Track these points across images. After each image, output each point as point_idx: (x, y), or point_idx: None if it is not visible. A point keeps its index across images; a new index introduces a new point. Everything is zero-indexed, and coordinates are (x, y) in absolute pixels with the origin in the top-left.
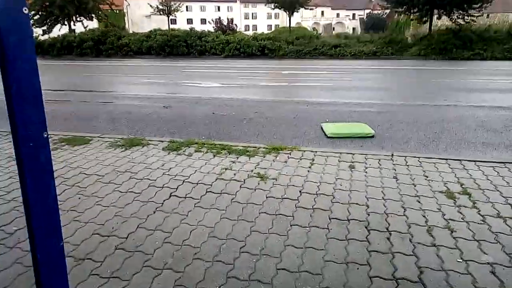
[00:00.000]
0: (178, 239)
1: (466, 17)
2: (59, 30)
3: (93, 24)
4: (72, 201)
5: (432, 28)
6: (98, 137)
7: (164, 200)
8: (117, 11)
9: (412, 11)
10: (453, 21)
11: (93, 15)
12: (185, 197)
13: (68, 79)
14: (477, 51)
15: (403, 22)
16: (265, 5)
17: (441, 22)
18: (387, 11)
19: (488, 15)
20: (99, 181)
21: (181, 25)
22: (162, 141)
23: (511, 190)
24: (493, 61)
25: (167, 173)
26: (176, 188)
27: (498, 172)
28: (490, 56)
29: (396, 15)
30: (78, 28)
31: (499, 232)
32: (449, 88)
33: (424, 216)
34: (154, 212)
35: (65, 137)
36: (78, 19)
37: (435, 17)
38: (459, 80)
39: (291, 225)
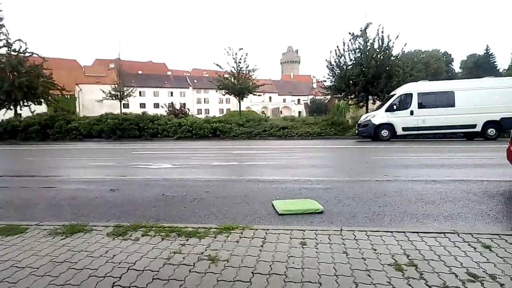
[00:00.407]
0: None
1: None
2: (4, 115)
3: (42, 108)
4: None
5: (368, 111)
6: (35, 225)
7: None
8: (68, 96)
9: (350, 97)
10: None
11: (42, 100)
12: (129, 287)
13: (8, 164)
14: None
15: (343, 107)
16: (217, 91)
17: (376, 106)
18: (328, 97)
19: None
20: (32, 274)
21: (134, 109)
22: (107, 226)
23: (453, 259)
24: (424, 140)
25: (110, 261)
26: (120, 277)
27: (439, 242)
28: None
29: (337, 100)
30: (25, 112)
31: None
32: (388, 165)
33: None
34: None
35: None
36: (26, 103)
37: (370, 102)
38: (396, 157)
39: None
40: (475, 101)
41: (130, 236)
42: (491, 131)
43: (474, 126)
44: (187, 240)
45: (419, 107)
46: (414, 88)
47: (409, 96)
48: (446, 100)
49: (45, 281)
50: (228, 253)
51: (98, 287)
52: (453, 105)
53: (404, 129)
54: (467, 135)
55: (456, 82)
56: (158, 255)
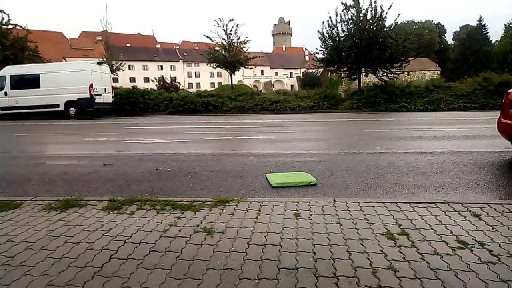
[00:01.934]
0: None
1: (389, 75)
2: None
3: None
4: None
5: (361, 84)
6: (29, 200)
7: (103, 264)
8: None
9: (342, 69)
10: (379, 78)
11: None
12: (127, 259)
13: None
14: (402, 104)
15: (335, 80)
16: (207, 64)
17: (369, 79)
18: (321, 69)
19: (408, 73)
20: (29, 248)
21: (124, 83)
22: (101, 201)
23: (443, 228)
24: (416, 112)
25: (106, 234)
26: (117, 250)
27: (430, 212)
28: (413, 108)
29: (329, 73)
30: None
31: (438, 269)
32: (380, 137)
33: (368, 259)
34: (92, 278)
35: None
36: None
37: (363, 74)
38: (388, 129)
39: (240, 279)
40: (57, 83)
41: (125, 210)
42: (71, 110)
43: (57, 105)
44: (182, 213)
45: (12, 89)
46: (7, 71)
47: (3, 78)
48: (33, 82)
49: (43, 254)
50: (224, 225)
51: (95, 259)
52: (39, 87)
53: (1, 108)
54: (54, 113)
55: (41, 66)
56: (154, 228)
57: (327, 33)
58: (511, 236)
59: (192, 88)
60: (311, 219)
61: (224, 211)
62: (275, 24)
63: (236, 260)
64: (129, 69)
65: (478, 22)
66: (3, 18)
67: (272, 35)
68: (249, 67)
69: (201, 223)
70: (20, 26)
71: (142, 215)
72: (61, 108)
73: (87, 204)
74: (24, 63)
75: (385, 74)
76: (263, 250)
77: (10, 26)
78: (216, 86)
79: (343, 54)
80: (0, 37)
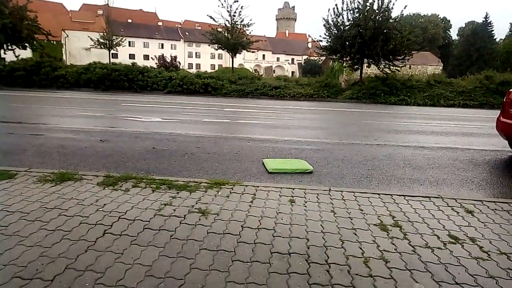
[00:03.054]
0: (111, 280)
1: (391, 67)
2: None
3: (27, 53)
4: None
5: (362, 75)
6: (24, 171)
7: (97, 238)
8: (54, 42)
9: (345, 59)
10: (381, 69)
11: (27, 45)
12: (120, 235)
13: None
14: (402, 97)
15: (337, 69)
16: (209, 45)
17: (370, 70)
18: (323, 58)
19: (410, 67)
20: (23, 218)
21: (123, 59)
22: (97, 176)
23: (436, 222)
24: (415, 106)
25: (101, 210)
26: (111, 225)
27: (424, 206)
28: (413, 102)
29: (331, 62)
30: (9, 57)
31: (428, 262)
32: (378, 129)
33: (360, 248)
34: (86, 251)
35: None
36: (10, 47)
37: (365, 65)
38: (387, 122)
39: (232, 261)
40: None
41: (120, 186)
42: None
43: None
44: (177, 193)
45: None
46: None
47: None
48: None
49: (36, 225)
50: (219, 207)
51: (89, 233)
52: None
53: None
54: None
55: None
56: (149, 206)
57: (332, 21)
58: (502, 234)
59: (192, 68)
60: (305, 206)
61: (219, 193)
62: (279, 8)
63: (229, 242)
64: (129, 45)
65: (484, 19)
66: None
67: (276, 19)
68: (251, 50)
69: (196, 203)
70: None
71: (137, 193)
72: None
73: (82, 179)
74: (23, 32)
75: (387, 66)
76: (256, 234)
77: None
78: (216, 68)
79: (347, 43)
80: None
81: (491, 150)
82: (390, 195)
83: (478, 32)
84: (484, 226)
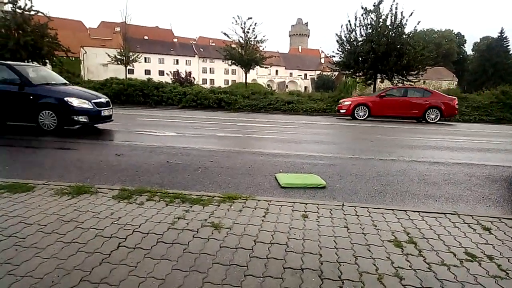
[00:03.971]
0: None
1: (405, 82)
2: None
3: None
4: (7, 253)
5: (376, 90)
6: (42, 184)
7: (111, 251)
8: (73, 58)
9: (358, 74)
10: (394, 85)
11: (47, 61)
12: (134, 248)
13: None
14: None
15: (350, 84)
16: (223, 61)
17: (384, 85)
18: (336, 73)
19: (424, 82)
20: (40, 231)
21: (139, 75)
22: (112, 189)
23: (452, 239)
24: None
25: (116, 222)
26: (125, 238)
27: (440, 222)
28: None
29: (344, 77)
30: None
31: (444, 279)
32: (392, 145)
33: (374, 265)
34: (100, 264)
35: (5, 183)
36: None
37: (378, 80)
38: (400, 137)
39: (245, 276)
40: None
41: (135, 200)
42: None
43: None
44: (191, 206)
45: None
46: None
47: None
48: None
49: (53, 238)
50: (231, 221)
51: (104, 246)
52: None
53: None
54: None
55: None
56: (163, 219)
57: (345, 37)
58: None
59: (206, 84)
60: (318, 221)
61: (232, 207)
62: (292, 25)
63: (242, 257)
64: (145, 61)
65: (499, 34)
66: (26, 4)
67: (289, 35)
68: (264, 66)
69: (209, 217)
70: (42, 13)
71: (152, 206)
72: None
73: (98, 192)
74: (44, 49)
75: (401, 81)
76: (269, 249)
77: (32, 13)
78: (230, 83)
79: (360, 58)
80: (22, 22)
81: (509, 166)
82: (405, 211)
83: (494, 47)
84: (502, 243)
